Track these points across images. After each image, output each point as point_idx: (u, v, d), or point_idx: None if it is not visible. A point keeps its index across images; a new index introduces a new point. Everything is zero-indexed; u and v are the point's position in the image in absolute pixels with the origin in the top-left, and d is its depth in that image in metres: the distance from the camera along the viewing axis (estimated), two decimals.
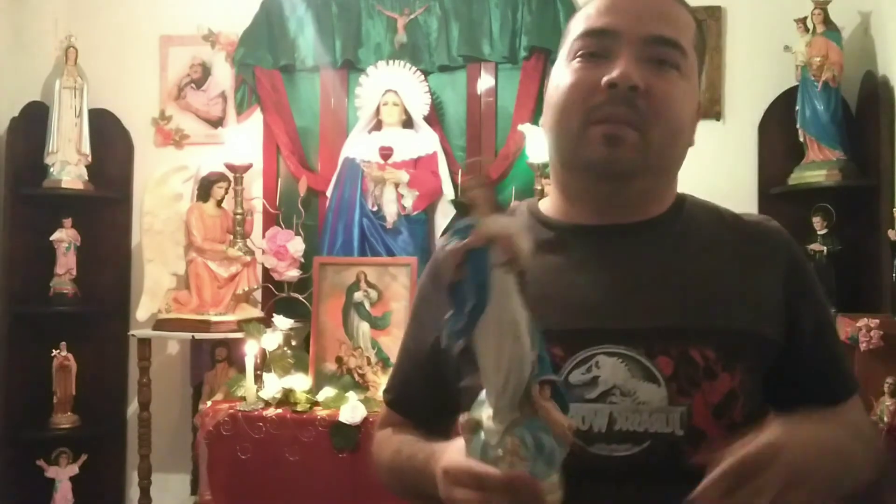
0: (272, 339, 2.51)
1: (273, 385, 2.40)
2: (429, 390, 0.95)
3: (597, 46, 0.84)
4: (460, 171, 2.91)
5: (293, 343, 2.66)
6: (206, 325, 2.74)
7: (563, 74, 0.86)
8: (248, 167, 2.86)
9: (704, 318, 0.81)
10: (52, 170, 3.00)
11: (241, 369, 2.53)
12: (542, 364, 0.67)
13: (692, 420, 0.78)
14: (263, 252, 2.89)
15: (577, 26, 0.87)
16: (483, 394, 0.70)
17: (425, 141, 2.89)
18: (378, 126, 2.92)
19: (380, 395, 2.34)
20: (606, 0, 0.86)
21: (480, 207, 0.66)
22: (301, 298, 2.84)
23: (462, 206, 0.68)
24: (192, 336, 2.80)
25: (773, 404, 0.87)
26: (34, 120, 3.04)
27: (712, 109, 2.90)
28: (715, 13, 2.91)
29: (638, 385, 0.78)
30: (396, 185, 2.79)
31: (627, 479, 0.77)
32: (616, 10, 0.84)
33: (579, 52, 0.85)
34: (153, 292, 2.94)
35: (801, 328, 0.85)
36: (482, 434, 0.68)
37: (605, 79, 0.80)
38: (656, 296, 0.82)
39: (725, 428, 0.79)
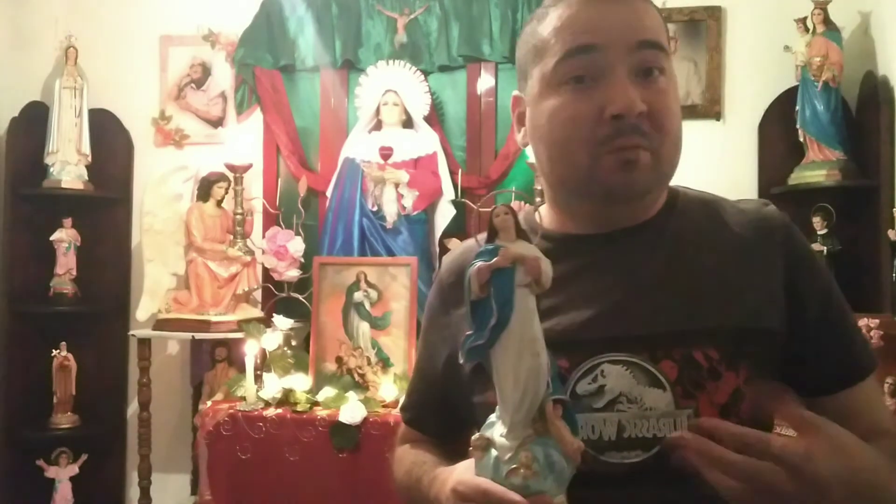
0: (272, 339, 2.51)
1: (273, 385, 2.40)
2: (444, 408, 0.97)
3: (583, 68, 0.80)
4: (460, 171, 2.92)
5: (293, 343, 2.66)
6: (206, 325, 2.74)
7: (551, 106, 0.82)
8: (248, 167, 2.86)
9: (705, 318, 0.80)
10: (52, 170, 3.01)
11: (241, 369, 2.53)
12: (555, 384, 0.70)
13: None
14: (263, 252, 2.89)
15: (552, 47, 0.82)
16: (493, 416, 0.73)
17: (425, 141, 2.89)
18: (378, 126, 2.92)
19: (380, 394, 2.37)
20: (577, 13, 0.81)
21: (505, 232, 0.71)
22: (301, 298, 2.84)
23: (490, 230, 0.72)
24: (192, 336, 2.80)
25: (796, 393, 0.85)
26: (34, 120, 3.05)
27: (712, 109, 2.90)
28: (715, 13, 2.91)
29: (644, 391, 0.78)
30: (396, 185, 2.79)
31: (639, 485, 0.78)
32: (592, 22, 0.80)
33: (565, 78, 0.80)
34: (153, 292, 2.94)
35: (803, 311, 0.84)
36: (493, 452, 0.70)
37: (608, 111, 0.78)
38: (656, 300, 0.81)
39: None
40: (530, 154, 2.70)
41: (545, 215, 0.93)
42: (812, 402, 0.87)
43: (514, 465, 0.67)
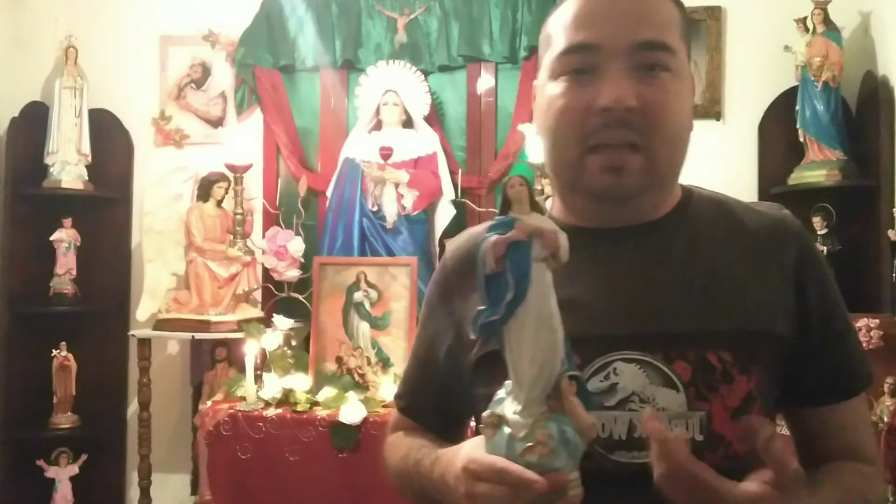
0: (272, 339, 2.51)
1: (273, 385, 2.40)
2: (440, 397, 0.95)
3: (580, 63, 0.80)
4: (460, 171, 2.92)
5: (293, 343, 2.66)
6: (206, 325, 2.74)
7: (550, 95, 0.82)
8: (248, 167, 2.86)
9: (720, 320, 0.80)
10: (52, 170, 3.01)
11: (241, 369, 2.53)
12: (569, 360, 0.69)
13: (712, 425, 0.77)
14: (263, 252, 2.89)
15: (556, 39, 0.82)
16: (501, 392, 0.71)
17: (425, 141, 2.89)
18: (378, 126, 2.92)
19: (380, 394, 2.37)
20: (582, 8, 0.81)
21: (520, 204, 0.68)
22: (301, 298, 2.84)
23: (504, 202, 0.70)
24: (192, 336, 2.80)
25: (784, 401, 0.86)
26: (34, 120, 3.05)
27: (712, 109, 2.90)
28: (715, 13, 2.91)
29: (657, 391, 0.77)
30: (396, 185, 2.79)
31: (648, 486, 0.76)
32: (594, 19, 0.80)
33: (565, 70, 0.81)
34: (153, 292, 2.94)
35: (808, 319, 0.83)
36: (505, 429, 0.68)
37: (597, 103, 0.77)
38: (670, 299, 0.81)
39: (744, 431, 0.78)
40: (530, 154, 2.71)
41: (555, 206, 0.92)
42: (801, 412, 0.88)
43: (530, 443, 0.66)
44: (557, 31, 0.83)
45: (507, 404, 0.69)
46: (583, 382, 0.70)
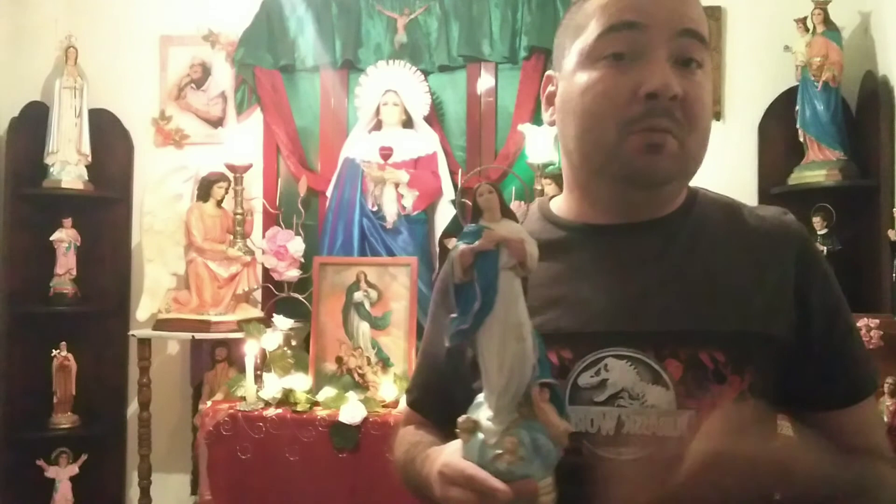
0: (272, 339, 2.51)
1: (273, 385, 2.40)
2: (444, 393, 0.95)
3: (623, 45, 0.79)
4: (460, 171, 2.92)
5: (293, 343, 2.66)
6: (206, 325, 2.74)
7: (587, 78, 0.81)
8: (248, 167, 2.86)
9: (714, 320, 0.80)
10: (52, 170, 3.01)
11: (241, 369, 2.53)
12: (542, 367, 0.69)
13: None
14: (263, 252, 2.89)
15: (593, 23, 0.81)
16: (481, 396, 0.72)
17: (425, 141, 2.89)
18: (378, 126, 2.92)
19: (380, 394, 2.37)
20: None
21: (490, 212, 0.68)
22: (301, 298, 2.84)
23: (474, 210, 0.70)
24: (192, 336, 2.80)
25: (787, 405, 0.85)
26: (34, 120, 3.05)
27: (712, 109, 2.89)
28: (715, 13, 2.91)
29: (646, 388, 0.78)
30: (396, 185, 2.79)
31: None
32: (638, 1, 0.79)
33: (604, 53, 0.80)
34: (153, 292, 2.94)
35: (809, 324, 0.83)
36: (479, 434, 0.69)
37: (643, 89, 0.77)
38: (666, 298, 0.81)
39: None
40: (530, 154, 2.71)
41: (561, 204, 0.93)
42: (809, 417, 0.87)
43: (499, 451, 0.66)
44: (594, 15, 0.82)
45: (483, 409, 0.70)
46: (556, 389, 0.70)
